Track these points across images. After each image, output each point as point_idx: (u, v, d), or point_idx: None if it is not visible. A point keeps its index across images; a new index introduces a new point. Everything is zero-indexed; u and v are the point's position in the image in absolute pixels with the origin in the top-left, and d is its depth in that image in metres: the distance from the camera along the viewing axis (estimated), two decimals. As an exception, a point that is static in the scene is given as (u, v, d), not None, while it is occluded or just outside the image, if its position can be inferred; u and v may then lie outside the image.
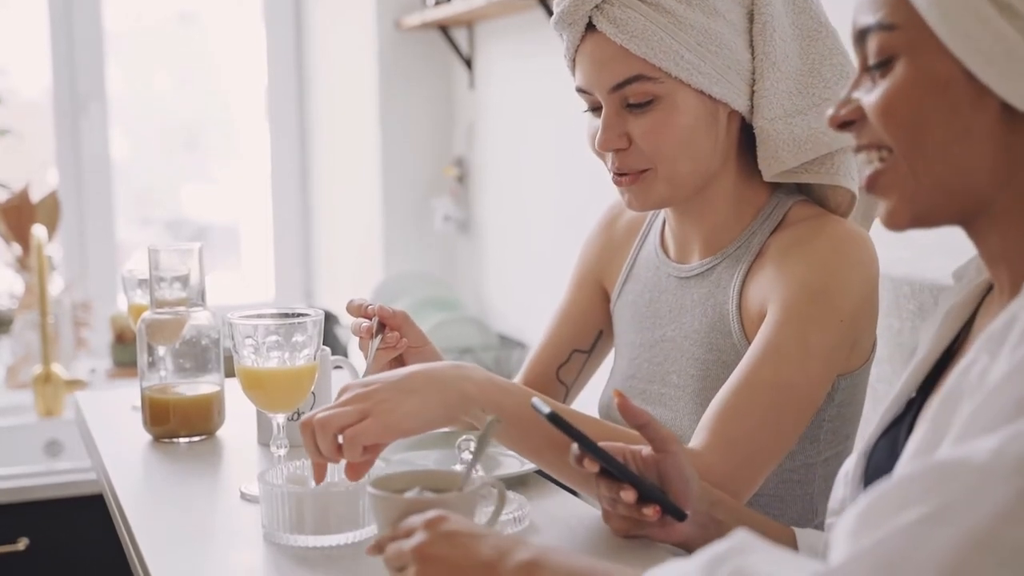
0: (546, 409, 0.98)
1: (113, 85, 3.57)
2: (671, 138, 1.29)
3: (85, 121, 3.48)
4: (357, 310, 1.42)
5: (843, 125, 0.89)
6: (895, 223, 0.88)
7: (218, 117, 3.94)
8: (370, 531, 1.13)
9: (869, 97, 0.86)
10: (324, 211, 3.74)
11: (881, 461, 0.94)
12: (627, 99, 1.30)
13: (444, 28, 3.18)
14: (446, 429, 1.52)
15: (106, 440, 1.59)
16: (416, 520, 0.92)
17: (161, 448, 1.54)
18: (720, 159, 1.34)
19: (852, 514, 0.71)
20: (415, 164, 3.36)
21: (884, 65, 0.85)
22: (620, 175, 1.33)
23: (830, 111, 0.90)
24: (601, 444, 1.04)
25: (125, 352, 3.11)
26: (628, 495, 1.05)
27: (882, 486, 0.70)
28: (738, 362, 1.30)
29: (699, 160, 1.31)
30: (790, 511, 1.34)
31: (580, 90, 1.34)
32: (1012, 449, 0.66)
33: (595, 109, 1.34)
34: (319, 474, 1.13)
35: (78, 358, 3.12)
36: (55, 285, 3.14)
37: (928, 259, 1.55)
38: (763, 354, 1.24)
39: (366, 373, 1.39)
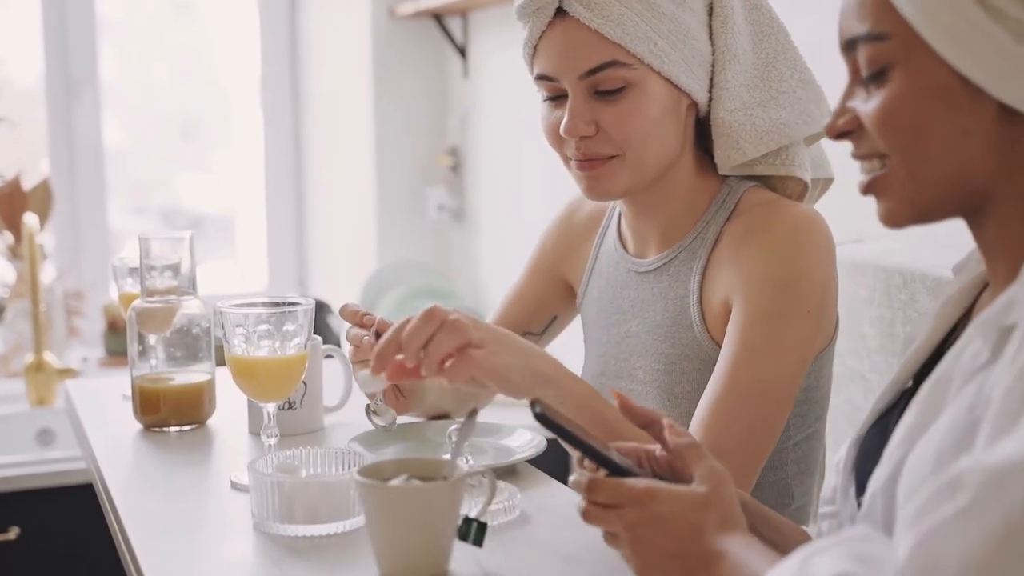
0: (537, 409, 0.96)
1: (107, 73, 3.56)
2: (641, 126, 1.29)
3: (78, 109, 3.47)
4: (352, 316, 1.40)
5: (841, 135, 0.89)
6: (895, 222, 0.89)
7: (213, 106, 3.93)
8: (360, 521, 1.13)
9: (866, 107, 0.86)
10: (318, 200, 3.74)
11: (872, 448, 0.95)
12: (597, 86, 1.29)
13: (438, 17, 3.17)
14: (432, 419, 1.52)
15: (96, 429, 1.58)
16: (624, 493, 0.90)
17: (151, 437, 1.54)
18: (680, 150, 1.34)
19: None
20: (409, 153, 3.35)
21: (878, 76, 0.85)
22: (585, 161, 1.32)
23: (827, 121, 0.90)
24: (615, 444, 1.00)
25: (118, 341, 3.11)
26: None
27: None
28: (701, 355, 1.32)
29: (665, 149, 1.32)
30: (766, 497, 1.35)
31: (543, 77, 1.32)
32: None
33: (554, 98, 1.33)
34: (381, 366, 1.09)
35: (70, 347, 3.11)
36: (47, 273, 3.14)
37: (919, 249, 1.55)
38: (738, 355, 1.24)
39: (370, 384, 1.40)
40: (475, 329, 1.10)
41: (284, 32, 3.72)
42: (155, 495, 1.31)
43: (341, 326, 3.06)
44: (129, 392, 1.60)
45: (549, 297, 1.57)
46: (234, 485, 1.31)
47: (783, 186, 1.37)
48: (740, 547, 0.88)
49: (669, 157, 1.33)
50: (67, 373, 2.70)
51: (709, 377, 1.31)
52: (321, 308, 3.06)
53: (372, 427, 1.43)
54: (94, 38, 3.47)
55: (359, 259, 3.46)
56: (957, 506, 0.67)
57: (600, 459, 0.94)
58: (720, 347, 1.31)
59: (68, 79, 3.46)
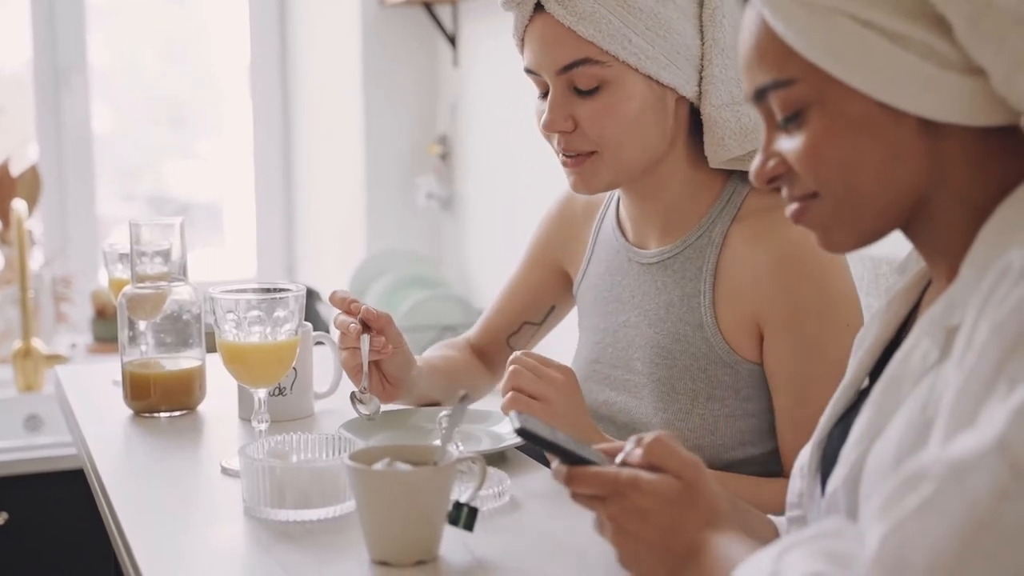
0: (517, 424, 0.96)
1: (96, 59, 3.55)
2: (617, 124, 1.29)
3: (66, 95, 3.46)
4: (341, 303, 1.41)
5: (771, 180, 0.89)
6: (839, 250, 0.90)
7: (202, 93, 3.92)
8: (350, 506, 1.14)
9: (791, 148, 0.86)
10: (307, 188, 3.73)
11: (835, 451, 0.95)
12: (574, 83, 1.30)
13: (428, 5, 3.16)
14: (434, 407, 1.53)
15: (86, 415, 1.58)
16: (604, 483, 0.91)
17: (142, 423, 1.54)
18: (667, 145, 1.34)
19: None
20: (399, 142, 3.35)
21: (795, 117, 0.85)
22: (567, 156, 1.33)
23: (755, 167, 0.90)
24: (600, 447, 0.99)
25: (106, 327, 3.10)
26: None
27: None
28: (710, 355, 1.32)
29: (645, 147, 1.32)
30: (770, 468, 1.35)
31: (529, 71, 1.34)
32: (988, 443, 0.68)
33: (545, 92, 1.34)
34: None
35: (58, 333, 3.11)
36: (35, 259, 3.13)
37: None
38: (800, 390, 1.28)
39: (363, 372, 1.40)
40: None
41: (274, 19, 3.71)
42: (146, 480, 1.32)
43: (330, 313, 3.06)
44: (119, 378, 1.61)
45: (547, 287, 1.57)
46: (225, 470, 1.31)
47: None
48: (723, 542, 0.88)
49: (652, 153, 1.33)
50: (55, 359, 2.69)
51: (715, 376, 1.32)
52: (310, 295, 3.06)
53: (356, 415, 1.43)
54: (83, 24, 3.46)
55: (348, 247, 3.46)
56: (921, 497, 0.68)
57: (588, 465, 0.94)
58: (735, 351, 1.32)
59: (56, 65, 3.45)
